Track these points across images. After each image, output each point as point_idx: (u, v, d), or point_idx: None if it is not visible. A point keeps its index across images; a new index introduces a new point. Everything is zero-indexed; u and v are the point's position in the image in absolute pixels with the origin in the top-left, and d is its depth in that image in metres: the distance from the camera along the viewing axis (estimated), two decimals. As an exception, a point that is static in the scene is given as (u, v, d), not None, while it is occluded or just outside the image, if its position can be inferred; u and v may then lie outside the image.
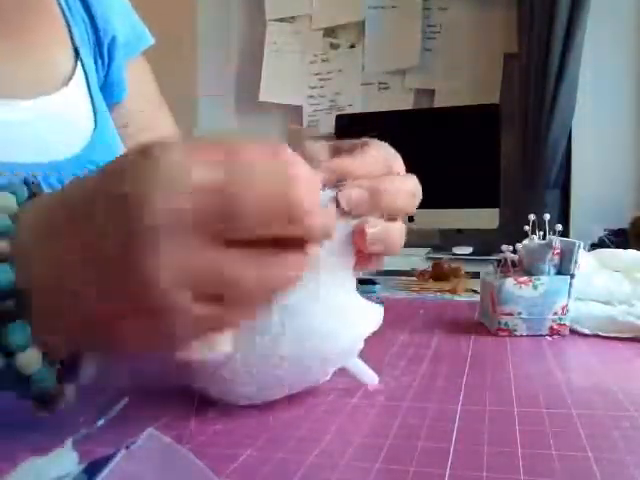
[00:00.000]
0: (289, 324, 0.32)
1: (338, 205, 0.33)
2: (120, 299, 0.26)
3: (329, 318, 0.33)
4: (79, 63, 0.58)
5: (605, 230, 1.87)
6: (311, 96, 2.47)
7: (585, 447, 0.28)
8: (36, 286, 0.27)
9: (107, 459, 0.21)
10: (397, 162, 0.37)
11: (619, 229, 1.87)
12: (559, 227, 0.54)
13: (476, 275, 0.88)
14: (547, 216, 0.55)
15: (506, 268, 0.55)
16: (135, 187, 0.24)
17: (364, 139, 0.37)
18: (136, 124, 0.65)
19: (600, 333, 0.52)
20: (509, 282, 0.52)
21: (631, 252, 0.62)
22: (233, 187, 0.25)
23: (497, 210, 2.03)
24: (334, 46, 2.44)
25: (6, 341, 0.27)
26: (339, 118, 2.30)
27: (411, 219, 2.12)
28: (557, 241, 0.53)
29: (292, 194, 0.25)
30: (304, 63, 2.47)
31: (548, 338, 0.51)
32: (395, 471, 0.26)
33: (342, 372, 0.36)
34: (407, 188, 0.35)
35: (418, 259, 1.79)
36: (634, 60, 2.02)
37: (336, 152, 0.37)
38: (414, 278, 0.99)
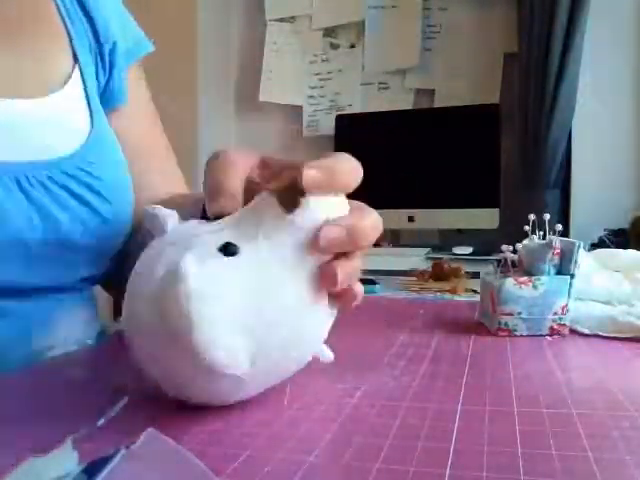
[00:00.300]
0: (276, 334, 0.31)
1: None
2: None
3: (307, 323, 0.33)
4: (77, 66, 0.59)
5: (605, 230, 1.88)
6: (311, 96, 2.47)
7: (585, 447, 0.28)
8: None
9: (107, 459, 0.21)
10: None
11: (619, 229, 1.87)
12: (559, 227, 0.54)
13: (476, 275, 0.88)
14: (547, 216, 0.55)
15: (506, 268, 0.55)
16: None
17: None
18: (132, 147, 0.64)
19: (600, 333, 0.52)
20: (509, 282, 0.52)
21: (631, 252, 0.62)
22: None
23: (497, 210, 2.03)
24: (334, 46, 2.44)
25: None
26: (339, 118, 2.30)
27: (411, 219, 2.12)
28: (557, 241, 0.53)
29: None
30: (304, 63, 2.46)
31: (548, 338, 0.51)
32: (395, 471, 0.26)
33: (342, 373, 0.36)
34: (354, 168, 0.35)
35: (418, 259, 1.79)
36: (634, 60, 2.02)
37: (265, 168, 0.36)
38: (414, 278, 0.99)
